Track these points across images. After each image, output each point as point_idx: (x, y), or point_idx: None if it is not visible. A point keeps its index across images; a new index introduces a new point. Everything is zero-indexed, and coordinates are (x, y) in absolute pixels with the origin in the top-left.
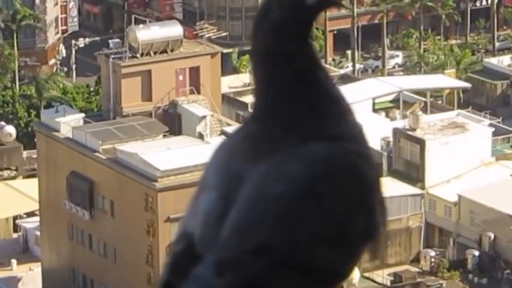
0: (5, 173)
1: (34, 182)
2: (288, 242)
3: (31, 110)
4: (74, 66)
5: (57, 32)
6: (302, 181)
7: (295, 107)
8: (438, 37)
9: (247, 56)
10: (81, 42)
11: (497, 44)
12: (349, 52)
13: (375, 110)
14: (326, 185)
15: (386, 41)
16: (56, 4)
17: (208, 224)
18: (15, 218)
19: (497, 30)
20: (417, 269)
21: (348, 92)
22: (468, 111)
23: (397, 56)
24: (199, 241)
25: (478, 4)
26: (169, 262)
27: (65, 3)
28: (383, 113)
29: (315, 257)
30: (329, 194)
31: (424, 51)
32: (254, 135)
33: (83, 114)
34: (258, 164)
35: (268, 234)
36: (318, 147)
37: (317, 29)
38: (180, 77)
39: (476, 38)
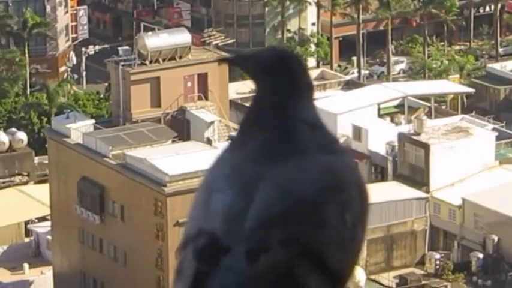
0: (17, 179)
1: (45, 187)
2: (312, 238)
3: (42, 117)
4: (84, 73)
5: (68, 40)
6: (320, 185)
7: (301, 124)
8: (442, 43)
9: None
10: (91, 49)
11: (500, 50)
12: (354, 58)
13: (380, 115)
14: (338, 193)
15: (391, 47)
16: (67, 12)
17: (231, 219)
18: (27, 222)
19: (500, 36)
20: (422, 272)
21: (354, 97)
22: (472, 116)
23: (402, 62)
24: (224, 235)
25: (481, 10)
26: (197, 255)
27: (75, 12)
28: (388, 118)
29: (331, 256)
30: (340, 202)
31: (428, 57)
32: (266, 145)
33: (93, 121)
34: (275, 167)
35: (295, 228)
36: (329, 158)
37: (323, 35)
38: (189, 84)
39: (479, 43)
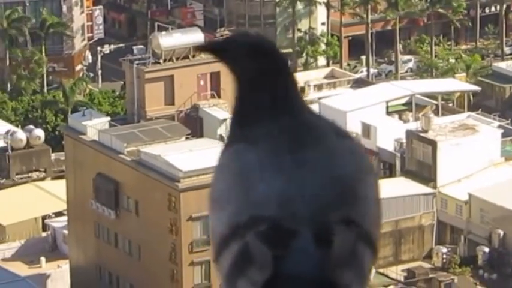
0: (34, 175)
1: (62, 183)
2: (362, 217)
3: (59, 114)
4: (99, 72)
5: (84, 39)
6: (356, 167)
7: (308, 110)
8: (449, 43)
9: None
10: (107, 48)
11: (506, 49)
12: (363, 57)
13: (388, 113)
14: (369, 173)
15: (399, 47)
16: (82, 12)
17: (287, 204)
18: (44, 217)
19: (506, 36)
20: (430, 265)
21: (363, 95)
22: (478, 114)
23: (410, 60)
24: (285, 219)
25: (487, 11)
26: (266, 240)
27: (90, 12)
28: (396, 116)
29: (374, 233)
30: (372, 182)
31: (435, 56)
32: (287, 133)
33: (108, 118)
34: (307, 153)
35: (349, 209)
36: (347, 142)
37: (332, 35)
38: (202, 82)
39: (485, 43)
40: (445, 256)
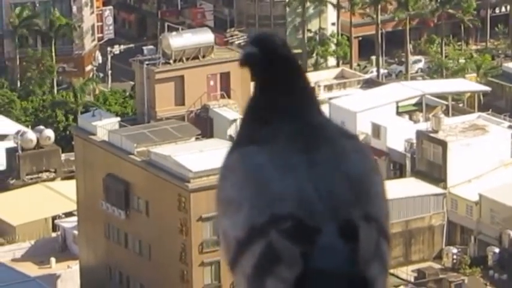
0: (44, 175)
1: (72, 183)
2: (379, 213)
3: (69, 115)
4: (109, 72)
5: (94, 40)
6: (367, 166)
7: (317, 112)
8: (459, 43)
9: None
10: (117, 49)
11: None
12: (373, 58)
13: (398, 113)
14: (378, 172)
15: (410, 47)
16: (92, 13)
17: (307, 202)
18: (54, 218)
19: None
20: (440, 266)
21: (373, 96)
22: (488, 114)
23: (420, 61)
24: (306, 217)
25: (497, 11)
26: (291, 237)
27: (101, 12)
28: (406, 116)
29: (389, 230)
30: (382, 180)
31: (446, 57)
32: (302, 132)
33: (118, 118)
34: (318, 154)
35: (367, 206)
36: (354, 143)
37: (342, 35)
38: (212, 82)
39: (495, 43)
40: (455, 257)
